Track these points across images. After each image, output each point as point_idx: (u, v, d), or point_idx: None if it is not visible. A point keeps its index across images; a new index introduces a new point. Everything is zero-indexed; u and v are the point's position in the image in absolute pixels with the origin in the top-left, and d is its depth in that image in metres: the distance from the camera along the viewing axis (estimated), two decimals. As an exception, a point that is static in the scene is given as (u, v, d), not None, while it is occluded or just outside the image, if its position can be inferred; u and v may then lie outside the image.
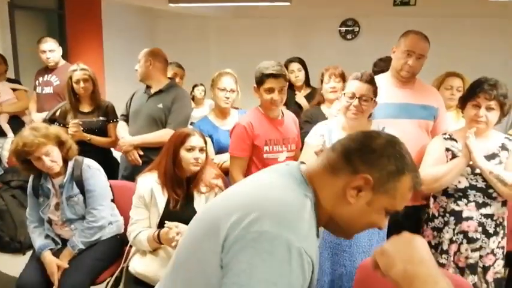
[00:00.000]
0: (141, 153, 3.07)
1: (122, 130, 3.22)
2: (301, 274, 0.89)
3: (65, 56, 4.35)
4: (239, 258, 0.89)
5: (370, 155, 0.99)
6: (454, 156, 2.20)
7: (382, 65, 3.38)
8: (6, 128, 4.14)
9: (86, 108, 3.34)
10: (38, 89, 4.09)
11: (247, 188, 1.08)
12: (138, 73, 3.16)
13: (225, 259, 0.92)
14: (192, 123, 3.52)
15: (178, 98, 3.13)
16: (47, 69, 4.09)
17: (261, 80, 2.38)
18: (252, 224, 0.91)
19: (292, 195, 0.99)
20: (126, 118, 3.26)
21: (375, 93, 2.18)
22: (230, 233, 0.93)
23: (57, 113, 3.42)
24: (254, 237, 0.89)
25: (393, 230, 2.67)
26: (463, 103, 2.22)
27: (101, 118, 3.32)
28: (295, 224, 0.93)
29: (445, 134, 2.32)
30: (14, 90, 4.24)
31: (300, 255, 0.88)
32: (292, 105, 3.66)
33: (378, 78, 2.72)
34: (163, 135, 2.92)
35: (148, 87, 3.19)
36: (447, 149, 2.24)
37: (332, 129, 2.24)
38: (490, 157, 2.14)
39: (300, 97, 3.78)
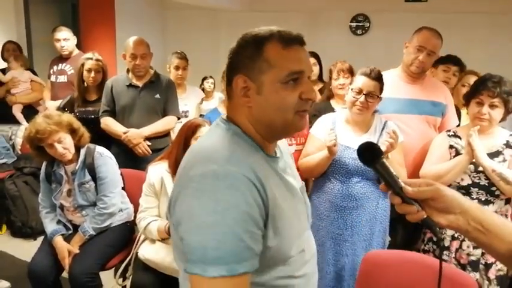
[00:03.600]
0: (149, 143, 3.11)
1: (116, 125, 3.13)
2: (237, 191, 0.90)
3: (78, 45, 4.40)
4: (181, 208, 0.93)
5: (230, 61, 1.05)
6: (457, 153, 2.21)
7: None
8: (20, 117, 4.22)
9: (92, 96, 3.39)
10: (53, 78, 4.15)
11: None
12: (143, 67, 3.13)
13: (172, 219, 0.98)
14: (201, 115, 3.56)
15: (170, 85, 3.27)
16: (62, 58, 4.15)
17: None
18: (181, 178, 0.97)
19: (209, 139, 1.04)
20: (111, 114, 3.18)
21: (381, 90, 2.21)
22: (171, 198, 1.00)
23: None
24: (183, 185, 0.94)
25: (397, 223, 2.71)
26: (467, 100, 2.22)
27: None
28: (212, 155, 0.96)
29: (449, 131, 2.33)
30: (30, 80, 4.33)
31: (227, 175, 0.90)
32: None
33: (388, 73, 2.74)
34: (169, 122, 3.19)
35: (129, 79, 3.16)
36: (451, 146, 2.25)
37: (336, 122, 2.29)
38: (494, 155, 2.14)
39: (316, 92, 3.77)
